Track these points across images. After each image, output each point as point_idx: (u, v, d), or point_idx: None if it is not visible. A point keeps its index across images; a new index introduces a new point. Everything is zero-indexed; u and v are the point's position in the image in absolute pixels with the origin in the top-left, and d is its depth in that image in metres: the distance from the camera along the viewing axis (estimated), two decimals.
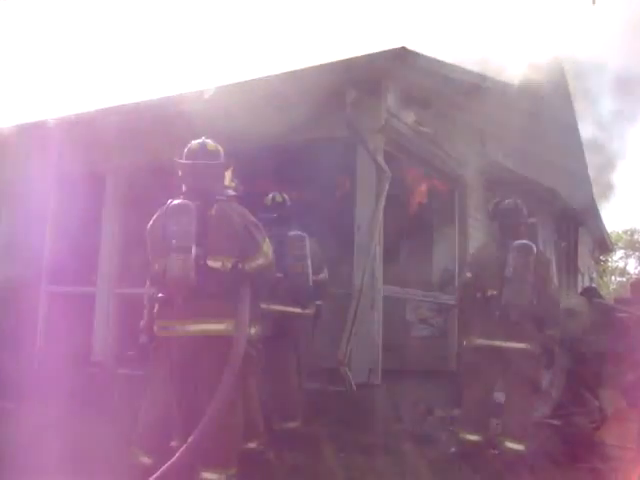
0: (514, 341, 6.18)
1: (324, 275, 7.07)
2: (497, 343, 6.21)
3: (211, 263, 4.54)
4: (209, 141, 4.88)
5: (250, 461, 5.30)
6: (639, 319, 8.63)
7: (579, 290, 12.62)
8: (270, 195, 7.10)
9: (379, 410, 7.34)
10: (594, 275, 19.39)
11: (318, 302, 6.99)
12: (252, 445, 5.56)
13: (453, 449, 6.38)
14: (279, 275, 5.93)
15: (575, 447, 6.38)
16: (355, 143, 7.85)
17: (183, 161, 4.82)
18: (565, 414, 7.71)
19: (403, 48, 7.40)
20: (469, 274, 6.50)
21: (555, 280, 6.57)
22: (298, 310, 6.68)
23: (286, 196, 7.11)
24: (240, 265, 4.62)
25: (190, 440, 4.27)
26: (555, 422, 7.43)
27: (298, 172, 8.51)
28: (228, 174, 4.98)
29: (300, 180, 8.56)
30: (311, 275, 6.68)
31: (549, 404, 8.04)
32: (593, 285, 15.05)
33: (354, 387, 7.16)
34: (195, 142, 4.87)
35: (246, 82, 8.22)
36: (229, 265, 4.58)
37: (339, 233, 7.98)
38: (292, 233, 6.66)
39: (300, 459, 5.89)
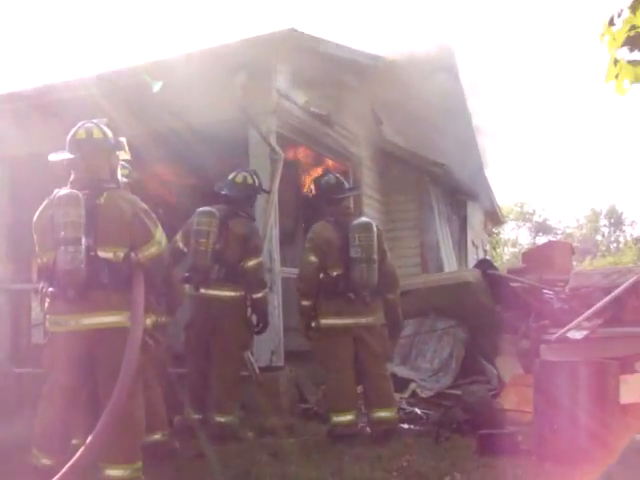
0: (363, 317, 6.29)
1: (253, 263, 6.61)
2: (347, 321, 6.25)
3: (102, 254, 4.41)
4: (95, 126, 4.68)
5: (156, 453, 5.24)
6: (532, 288, 8.93)
7: (473, 262, 12.95)
8: (241, 173, 6.85)
9: (283, 392, 7.36)
10: (487, 247, 19.87)
11: (254, 295, 6.66)
12: (157, 436, 5.47)
13: (326, 432, 6.32)
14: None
15: (476, 414, 6.52)
16: (247, 125, 7.79)
17: (68, 150, 4.65)
18: (465, 383, 7.88)
19: (292, 29, 7.37)
20: (313, 258, 6.33)
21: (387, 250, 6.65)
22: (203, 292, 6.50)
23: (256, 178, 6.92)
24: (133, 254, 4.51)
25: (91, 437, 4.15)
26: (456, 392, 7.58)
27: (191, 156, 8.39)
28: (117, 161, 4.81)
29: (194, 164, 8.45)
30: (210, 253, 6.40)
31: (450, 375, 8.22)
32: (487, 257, 15.45)
33: (257, 370, 7.13)
34: (81, 128, 4.67)
35: (136, 66, 8.05)
36: (121, 255, 4.46)
37: None
38: (200, 209, 6.50)
39: (207, 446, 5.82)
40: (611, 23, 3.27)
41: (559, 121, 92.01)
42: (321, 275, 6.37)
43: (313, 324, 6.37)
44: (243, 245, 6.58)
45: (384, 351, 6.51)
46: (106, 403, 4.20)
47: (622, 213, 54.15)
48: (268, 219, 7.58)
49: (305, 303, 6.42)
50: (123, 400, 4.20)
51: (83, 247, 4.29)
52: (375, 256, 6.25)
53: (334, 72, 8.87)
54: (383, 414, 6.22)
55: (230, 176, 6.82)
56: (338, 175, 6.82)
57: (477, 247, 17.11)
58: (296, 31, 7.41)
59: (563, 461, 5.19)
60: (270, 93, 7.79)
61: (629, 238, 51.40)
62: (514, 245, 49.78)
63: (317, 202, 6.81)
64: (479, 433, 5.77)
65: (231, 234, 6.56)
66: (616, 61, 3.29)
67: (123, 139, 4.80)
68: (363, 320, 6.29)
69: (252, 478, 4.98)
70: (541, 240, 52.04)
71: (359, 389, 6.53)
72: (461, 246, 14.66)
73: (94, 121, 4.74)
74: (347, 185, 6.89)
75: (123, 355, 4.26)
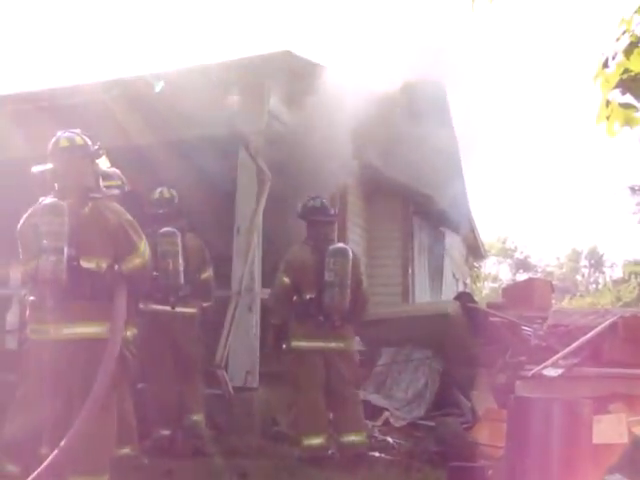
0: (334, 341, 6.33)
1: (208, 274, 7.00)
2: (317, 344, 6.30)
3: (85, 264, 4.39)
4: (77, 135, 4.66)
5: (123, 467, 5.18)
6: (510, 323, 8.95)
7: (453, 295, 12.95)
8: (158, 190, 6.95)
9: (256, 413, 7.31)
10: (468, 281, 19.93)
11: (205, 303, 6.93)
12: (126, 450, 5.42)
13: (297, 455, 6.30)
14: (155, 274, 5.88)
15: (448, 446, 6.51)
16: (237, 144, 7.79)
17: (51, 159, 4.63)
18: (438, 415, 7.86)
19: (287, 52, 7.41)
20: (286, 279, 6.41)
21: (364, 279, 6.75)
22: (168, 309, 6.56)
23: (174, 192, 6.99)
24: (116, 266, 4.49)
25: (60, 446, 4.10)
26: (429, 423, 7.57)
27: (180, 171, 8.37)
28: (99, 169, 4.78)
29: (183, 179, 8.44)
30: (182, 272, 6.58)
31: (423, 405, 8.20)
32: (467, 290, 15.48)
33: (231, 390, 7.09)
34: (62, 137, 4.64)
35: (128, 80, 8.04)
36: (104, 266, 4.44)
37: (221, 234, 7.90)
38: (163, 230, 6.57)
39: (175, 464, 5.77)
40: (605, 65, 3.30)
41: (547, 160, 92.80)
42: (294, 297, 6.41)
43: (284, 345, 6.41)
44: (199, 258, 6.87)
45: (355, 376, 6.55)
46: (79, 413, 4.16)
47: (603, 255, 54.62)
48: (251, 240, 7.56)
49: (274, 322, 6.55)
50: (95, 411, 4.17)
51: (65, 257, 4.27)
52: (348, 281, 6.29)
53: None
54: (353, 438, 6.22)
55: (154, 195, 6.94)
56: (325, 200, 6.83)
57: (457, 280, 17.17)
58: (291, 54, 7.45)
59: None
60: (261, 114, 7.80)
61: (608, 280, 51.71)
62: (494, 280, 49.96)
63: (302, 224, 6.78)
64: (450, 465, 5.75)
65: (188, 250, 6.74)
66: (608, 103, 3.33)
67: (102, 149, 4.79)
68: (333, 344, 6.33)
69: None
70: (521, 277, 52.29)
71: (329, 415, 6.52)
72: (439, 277, 14.70)
73: (73, 130, 4.73)
74: (333, 211, 6.90)
75: (100, 366, 4.23)
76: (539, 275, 53.04)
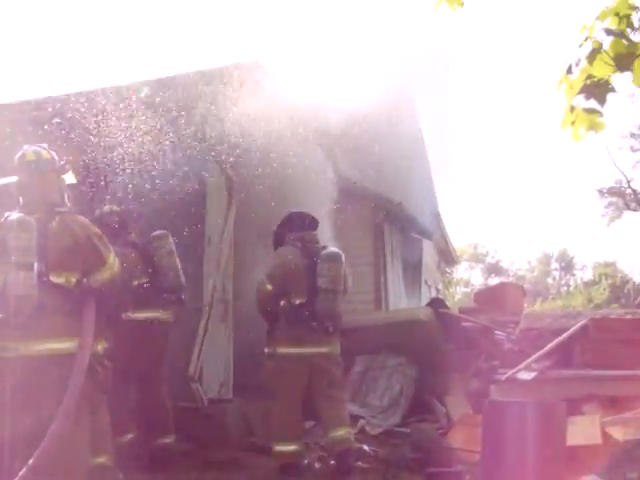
0: (323, 346, 6.25)
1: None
2: (308, 350, 6.18)
3: (54, 279, 4.34)
4: (43, 149, 4.63)
5: (98, 477, 5.13)
6: (483, 328, 8.99)
7: (425, 301, 12.99)
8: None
9: (231, 425, 7.27)
10: (440, 287, 20.03)
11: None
12: (101, 460, 5.36)
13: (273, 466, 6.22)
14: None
15: (424, 453, 6.52)
16: (205, 154, 7.77)
17: (17, 172, 4.58)
18: (414, 421, 7.87)
19: (238, 64, 7.45)
20: (269, 286, 6.28)
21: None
22: (158, 314, 6.41)
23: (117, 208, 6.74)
24: (85, 280, 4.45)
25: (32, 461, 4.05)
26: (404, 430, 7.57)
27: (148, 182, 8.32)
28: (64, 184, 4.74)
29: (151, 190, 8.39)
30: (181, 271, 6.50)
31: (399, 412, 8.20)
32: (439, 296, 15.54)
33: (205, 402, 7.04)
34: (28, 151, 4.60)
35: (91, 91, 7.99)
36: (73, 280, 4.40)
37: (190, 245, 7.85)
38: (156, 233, 6.52)
39: (148, 477, 5.72)
40: (569, 71, 3.33)
41: (516, 165, 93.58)
42: (282, 302, 6.28)
43: (267, 351, 6.27)
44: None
45: (342, 379, 6.53)
46: (49, 429, 4.11)
47: (573, 257, 55.12)
48: (222, 250, 7.53)
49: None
50: (66, 425, 4.12)
51: (35, 272, 4.22)
52: (342, 287, 6.23)
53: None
54: (339, 433, 6.13)
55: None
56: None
57: (430, 286, 17.24)
58: (242, 65, 7.46)
59: None
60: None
61: (579, 282, 52.15)
62: (466, 285, 50.22)
63: (281, 233, 6.65)
64: (427, 471, 5.78)
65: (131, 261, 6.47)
66: (572, 108, 3.36)
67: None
68: (324, 349, 6.24)
69: None
70: (493, 281, 52.64)
71: (309, 424, 6.50)
72: (414, 284, 14.74)
73: (39, 145, 4.69)
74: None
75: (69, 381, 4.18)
76: (511, 279, 53.46)
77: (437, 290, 18.58)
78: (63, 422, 4.11)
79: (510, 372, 7.63)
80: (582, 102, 3.35)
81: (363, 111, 9.78)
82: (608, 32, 3.28)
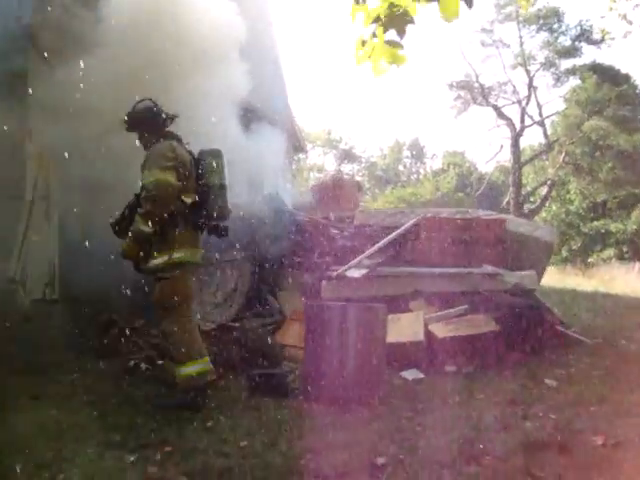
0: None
1: None
2: (199, 255, 5.65)
3: None
4: None
5: None
6: (317, 223, 9.04)
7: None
8: None
9: (57, 326, 7.03)
10: (290, 175, 20.01)
11: None
12: None
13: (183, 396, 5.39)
14: None
15: (251, 352, 6.56)
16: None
17: None
18: (248, 316, 7.87)
19: None
20: (172, 179, 5.36)
21: None
22: None
23: None
24: None
25: None
26: (236, 325, 7.53)
27: None
28: None
29: None
30: None
31: (234, 308, 8.18)
32: (276, 192, 15.47)
33: (26, 303, 6.76)
34: None
35: None
36: None
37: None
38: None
39: None
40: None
41: None
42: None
43: (158, 260, 5.39)
44: None
45: None
46: None
47: (424, 147, 56.28)
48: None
49: (147, 230, 5.29)
50: None
51: None
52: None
53: None
54: None
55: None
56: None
57: (277, 174, 17.15)
58: None
59: (328, 402, 5.30)
60: None
61: (429, 170, 53.54)
62: (320, 171, 50.60)
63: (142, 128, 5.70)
64: (249, 374, 5.79)
65: None
66: (363, 42, 3.23)
67: None
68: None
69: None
70: (346, 167, 53.39)
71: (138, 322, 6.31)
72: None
73: None
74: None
75: None
76: (363, 165, 54.31)
77: (292, 176, 18.54)
78: None
79: (341, 269, 7.75)
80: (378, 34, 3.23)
81: None
82: None
